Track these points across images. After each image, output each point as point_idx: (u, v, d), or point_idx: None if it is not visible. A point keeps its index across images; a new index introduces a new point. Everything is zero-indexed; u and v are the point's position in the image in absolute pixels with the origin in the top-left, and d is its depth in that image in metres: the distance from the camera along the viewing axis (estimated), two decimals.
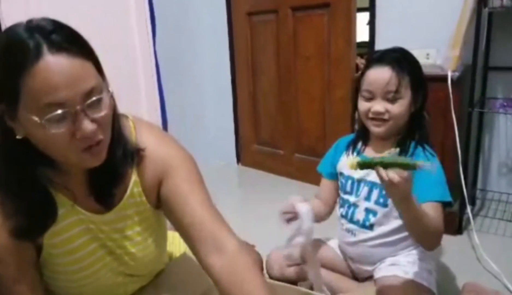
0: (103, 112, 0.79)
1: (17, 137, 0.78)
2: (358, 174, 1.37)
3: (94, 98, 0.77)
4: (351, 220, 1.40)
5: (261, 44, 2.92)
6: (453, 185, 1.91)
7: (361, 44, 2.51)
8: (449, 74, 1.82)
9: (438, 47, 2.03)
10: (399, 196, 1.08)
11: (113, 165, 0.88)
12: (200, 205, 0.94)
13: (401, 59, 1.29)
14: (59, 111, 0.73)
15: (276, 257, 1.53)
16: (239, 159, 3.31)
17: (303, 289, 1.25)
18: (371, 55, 1.39)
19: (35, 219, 0.85)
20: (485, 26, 2.01)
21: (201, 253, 0.92)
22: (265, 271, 1.52)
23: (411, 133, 1.34)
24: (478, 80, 1.94)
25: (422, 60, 2.02)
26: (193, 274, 1.03)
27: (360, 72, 1.38)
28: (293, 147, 2.89)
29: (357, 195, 1.39)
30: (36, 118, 0.73)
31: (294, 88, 2.77)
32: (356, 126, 1.49)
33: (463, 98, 1.90)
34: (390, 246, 1.36)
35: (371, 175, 1.35)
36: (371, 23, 2.31)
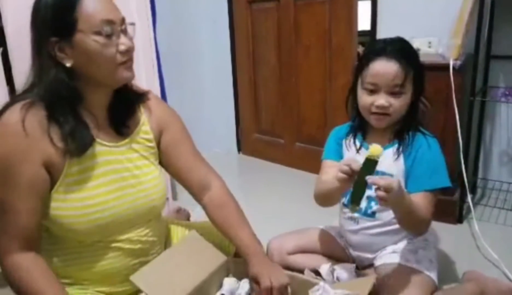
0: (130, 36, 1.05)
1: (67, 65, 0.99)
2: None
3: (125, 24, 1.04)
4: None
5: (262, 32, 2.90)
6: (454, 174, 1.91)
7: (362, 33, 2.49)
8: (451, 62, 1.81)
9: (440, 35, 2.02)
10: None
11: (126, 101, 1.14)
12: (192, 153, 1.26)
13: (406, 52, 1.29)
14: (111, 26, 0.99)
15: (276, 245, 1.53)
16: (239, 148, 3.31)
17: (303, 276, 1.26)
18: (371, 45, 1.38)
19: (80, 138, 1.02)
20: (487, 14, 1.99)
21: (197, 194, 1.25)
22: None
23: (407, 122, 1.35)
24: (480, 68, 1.92)
25: (424, 48, 2.02)
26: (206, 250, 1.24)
27: (358, 62, 1.36)
28: (293, 136, 2.88)
29: None
30: (96, 29, 0.97)
31: (295, 77, 2.75)
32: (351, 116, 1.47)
33: (465, 87, 1.89)
34: (392, 235, 1.37)
35: None
36: (373, 12, 2.29)
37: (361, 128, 1.42)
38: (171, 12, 2.80)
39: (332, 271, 1.41)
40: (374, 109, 1.30)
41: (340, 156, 1.44)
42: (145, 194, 1.15)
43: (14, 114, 0.98)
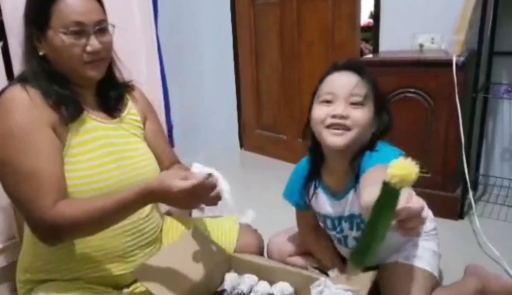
0: (106, 37, 1.13)
1: (40, 53, 1.09)
2: (335, 212, 1.29)
3: (102, 26, 1.11)
4: (346, 246, 1.36)
5: (265, 28, 2.90)
6: (456, 170, 1.92)
7: (365, 29, 2.49)
8: (454, 58, 1.80)
9: (443, 31, 2.01)
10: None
11: (112, 89, 1.23)
12: (168, 145, 1.41)
13: (365, 71, 1.18)
14: (80, 27, 1.06)
15: (276, 247, 1.51)
16: (242, 144, 3.31)
17: (305, 272, 1.27)
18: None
19: (70, 104, 1.10)
20: (491, 10, 1.98)
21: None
22: (266, 255, 1.52)
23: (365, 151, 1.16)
24: (483, 65, 1.92)
25: (427, 44, 2.02)
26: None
27: (315, 90, 1.22)
28: (295, 132, 2.88)
29: (341, 231, 1.33)
30: (63, 30, 1.05)
31: (298, 73, 2.75)
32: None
33: (468, 83, 1.89)
34: (389, 248, 1.33)
35: (347, 209, 1.26)
36: (376, 8, 2.29)
37: (316, 167, 1.29)
38: (172, 7, 2.80)
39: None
40: (329, 121, 1.11)
41: (302, 205, 1.39)
42: (135, 167, 1.21)
43: (15, 90, 1.05)
